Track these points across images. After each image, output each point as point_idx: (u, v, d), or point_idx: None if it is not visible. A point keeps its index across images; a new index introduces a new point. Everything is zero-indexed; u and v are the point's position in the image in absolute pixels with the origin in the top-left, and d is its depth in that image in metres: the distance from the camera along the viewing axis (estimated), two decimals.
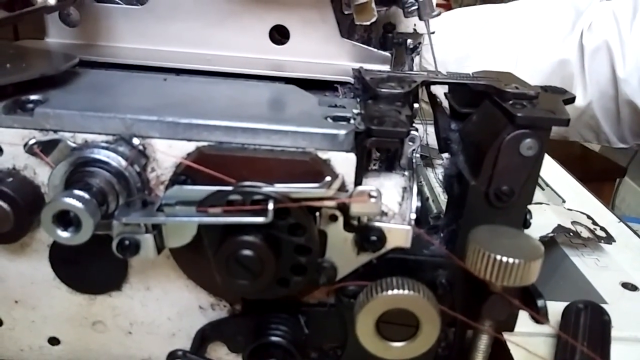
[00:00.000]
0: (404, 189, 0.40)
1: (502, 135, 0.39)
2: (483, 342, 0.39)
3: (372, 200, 0.33)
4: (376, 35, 0.57)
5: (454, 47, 1.00)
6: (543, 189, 0.77)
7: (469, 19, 1.11)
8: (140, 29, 0.52)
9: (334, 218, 0.37)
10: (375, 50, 0.52)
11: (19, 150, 0.37)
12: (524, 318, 0.54)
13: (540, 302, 0.39)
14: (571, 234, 0.64)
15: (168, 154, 0.36)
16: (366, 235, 0.37)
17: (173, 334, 0.44)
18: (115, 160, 0.36)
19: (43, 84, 0.40)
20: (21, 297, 0.43)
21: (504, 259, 0.34)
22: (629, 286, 0.60)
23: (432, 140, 0.78)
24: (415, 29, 0.60)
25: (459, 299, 0.39)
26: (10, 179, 0.37)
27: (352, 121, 0.38)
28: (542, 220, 0.66)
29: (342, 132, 0.36)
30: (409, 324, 0.37)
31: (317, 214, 0.36)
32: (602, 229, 0.67)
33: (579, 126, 1.05)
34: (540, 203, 0.71)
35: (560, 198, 0.74)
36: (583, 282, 0.60)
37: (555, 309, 0.53)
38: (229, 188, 0.34)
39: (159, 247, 0.35)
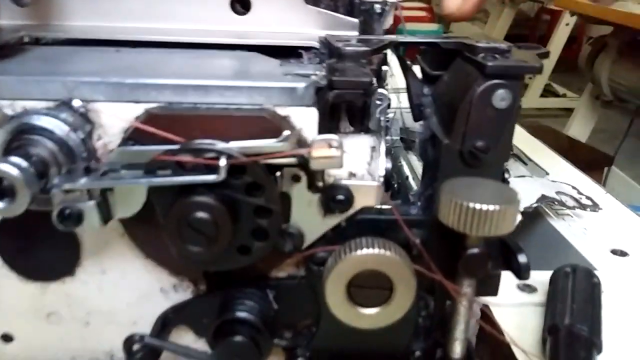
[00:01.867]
0: (373, 148, 0.38)
1: (474, 88, 0.37)
2: (464, 305, 0.36)
3: (334, 150, 0.31)
4: (343, 2, 0.54)
5: None
6: (526, 164, 0.75)
7: None
8: (93, 5, 0.49)
9: (296, 178, 0.34)
10: (342, 16, 0.50)
11: None
12: (511, 288, 0.52)
13: (521, 258, 0.36)
14: (556, 202, 0.62)
15: (114, 117, 0.34)
16: (332, 194, 0.35)
17: (134, 321, 0.40)
18: (57, 126, 0.33)
19: None
20: None
21: (478, 206, 0.31)
22: (618, 252, 0.58)
23: (412, 123, 0.77)
24: None
25: (436, 260, 0.37)
26: None
27: (313, 77, 0.36)
28: (526, 191, 0.64)
29: (301, 85, 0.34)
30: (382, 287, 0.34)
31: (279, 174, 0.34)
32: (588, 197, 0.65)
33: None
34: (523, 176, 0.69)
35: (544, 171, 0.72)
36: (571, 251, 0.58)
37: (544, 278, 0.51)
38: (178, 147, 0.31)
39: (105, 217, 0.32)
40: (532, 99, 3.80)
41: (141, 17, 0.50)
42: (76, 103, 0.33)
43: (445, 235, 0.36)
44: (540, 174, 0.71)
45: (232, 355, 0.35)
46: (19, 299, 0.40)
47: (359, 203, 0.35)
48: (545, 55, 0.46)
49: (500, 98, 0.37)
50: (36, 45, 0.44)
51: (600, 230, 0.62)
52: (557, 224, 0.63)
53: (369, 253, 0.33)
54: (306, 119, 0.34)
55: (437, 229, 0.36)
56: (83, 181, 0.31)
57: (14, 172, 0.29)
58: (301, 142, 0.33)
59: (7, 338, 0.41)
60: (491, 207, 0.31)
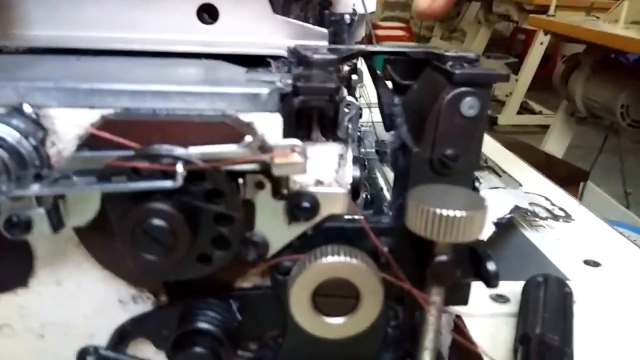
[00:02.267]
0: (340, 156, 0.37)
1: (442, 95, 0.37)
2: (432, 314, 0.35)
3: (296, 155, 0.30)
4: (313, 13, 0.54)
5: None
6: (500, 176, 0.75)
7: None
8: (56, 14, 0.48)
9: (260, 185, 0.33)
10: (312, 26, 0.49)
11: None
12: (483, 299, 0.51)
13: (490, 265, 0.36)
14: (529, 213, 0.61)
15: (69, 123, 0.32)
16: (297, 202, 0.34)
17: (91, 334, 0.39)
18: (7, 133, 0.31)
19: None
20: None
21: (445, 212, 0.31)
22: (591, 263, 0.58)
23: (387, 136, 0.76)
24: (354, 8, 0.58)
25: (405, 269, 0.36)
26: None
27: (278, 84, 0.35)
28: (500, 203, 0.64)
29: (265, 90, 0.33)
30: (348, 295, 0.33)
31: (241, 181, 0.33)
32: (561, 209, 0.65)
33: None
34: (497, 187, 0.69)
35: (517, 182, 0.72)
36: (544, 261, 0.57)
37: (516, 289, 0.51)
38: (132, 153, 0.30)
39: (56, 225, 0.31)
40: (508, 116, 3.86)
41: (106, 26, 0.49)
42: (27, 109, 0.31)
43: (414, 244, 0.35)
44: (514, 186, 0.71)
45: None
46: None
47: (325, 210, 0.34)
48: (514, 64, 0.46)
49: (469, 106, 0.37)
50: None
51: (573, 241, 0.62)
52: (531, 234, 0.62)
53: (335, 261, 0.32)
54: (270, 125, 0.33)
55: (406, 237, 0.35)
56: (32, 188, 0.30)
57: None
58: (264, 149, 0.32)
59: None
60: (458, 214, 0.31)
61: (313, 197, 0.34)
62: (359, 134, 0.62)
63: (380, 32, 4.06)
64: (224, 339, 0.34)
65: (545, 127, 3.31)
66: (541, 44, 3.62)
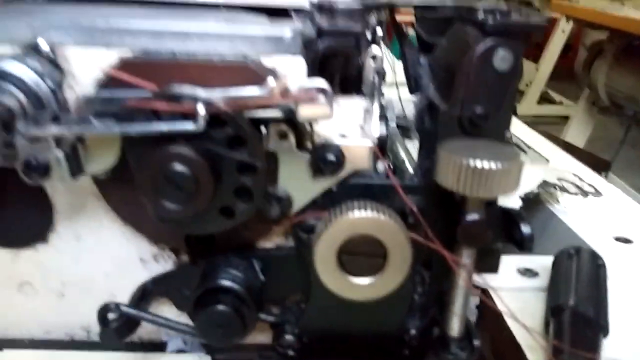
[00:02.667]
0: (366, 110, 0.35)
1: (473, 48, 0.35)
2: (463, 277, 0.33)
3: (321, 97, 0.28)
4: None
5: None
6: (525, 152, 0.73)
7: None
8: None
9: (284, 136, 0.32)
10: None
11: None
12: (511, 273, 0.49)
13: (525, 228, 0.34)
14: (557, 188, 0.59)
15: (86, 64, 0.31)
16: (322, 154, 0.32)
17: (112, 293, 0.38)
18: (24, 73, 0.30)
19: None
20: None
21: (479, 164, 0.29)
22: (622, 239, 0.56)
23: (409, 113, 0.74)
24: None
25: (433, 230, 0.34)
26: None
27: (300, 26, 0.34)
28: (526, 177, 0.61)
29: (288, 33, 0.32)
30: (375, 254, 0.31)
31: (264, 130, 0.31)
32: (590, 185, 0.63)
33: None
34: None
35: (544, 158, 0.70)
36: (574, 238, 0.55)
37: (545, 263, 0.49)
38: (152, 93, 0.28)
39: (75, 170, 0.29)
40: (528, 106, 3.79)
41: None
42: (42, 44, 0.30)
43: (443, 203, 0.33)
44: (541, 162, 0.69)
45: (214, 325, 0.32)
46: None
47: (351, 165, 0.33)
48: (549, 19, 0.44)
49: (502, 58, 0.34)
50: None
51: (603, 217, 0.59)
52: (559, 210, 0.60)
53: (362, 216, 0.30)
54: (293, 70, 0.31)
55: (434, 196, 0.34)
56: (50, 128, 0.28)
57: None
58: (287, 95, 0.30)
59: None
60: (493, 165, 0.29)
61: (338, 150, 0.32)
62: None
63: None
64: (247, 298, 0.33)
65: (566, 118, 3.25)
66: (563, 31, 3.55)
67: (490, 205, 0.33)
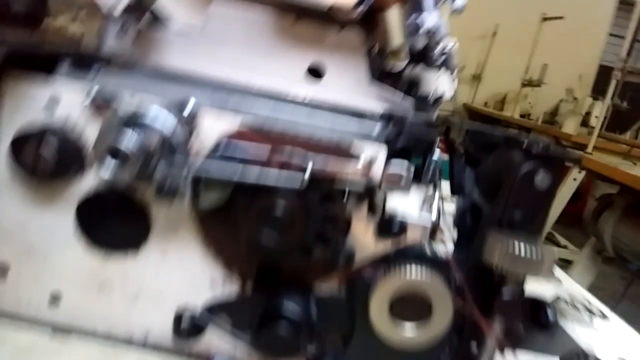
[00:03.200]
0: (425, 197, 0.43)
1: (519, 167, 0.43)
2: (491, 344, 0.39)
3: (403, 176, 0.36)
4: (401, 89, 0.62)
5: None
6: None
7: None
8: (190, 50, 0.57)
9: (360, 202, 0.39)
10: (400, 97, 0.57)
11: (75, 103, 0.40)
12: None
13: (550, 313, 0.40)
14: (568, 304, 0.65)
15: (216, 122, 0.39)
16: (388, 223, 0.39)
17: (178, 306, 0.43)
18: (168, 119, 0.38)
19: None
20: (36, 246, 0.43)
21: (523, 249, 0.35)
22: None
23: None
24: (436, 88, 0.66)
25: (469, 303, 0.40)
26: (62, 125, 0.40)
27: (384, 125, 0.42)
28: (542, 291, 0.67)
29: (376, 128, 0.40)
30: (422, 309, 0.37)
31: (346, 195, 0.39)
32: (598, 309, 0.68)
33: None
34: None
35: (557, 279, 0.76)
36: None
37: None
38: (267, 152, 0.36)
39: (194, 201, 0.36)
40: None
41: (228, 65, 0.57)
42: (191, 102, 0.39)
43: (481, 279, 0.40)
44: (554, 281, 0.75)
45: (274, 341, 0.37)
46: (79, 266, 0.43)
47: (409, 237, 0.40)
48: (580, 157, 0.52)
49: (542, 179, 0.42)
50: None
51: (609, 338, 0.64)
52: (569, 326, 0.65)
53: (419, 274, 0.37)
54: (377, 154, 0.39)
55: (474, 272, 0.40)
56: (188, 162, 0.36)
57: (132, 143, 0.35)
58: (372, 174, 0.38)
59: (56, 298, 0.44)
60: (534, 251, 0.36)
61: (402, 223, 0.39)
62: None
63: None
64: (303, 327, 0.38)
65: (569, 262, 3.30)
66: (574, 179, 3.70)
67: (520, 287, 0.39)
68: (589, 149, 3.01)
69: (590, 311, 0.66)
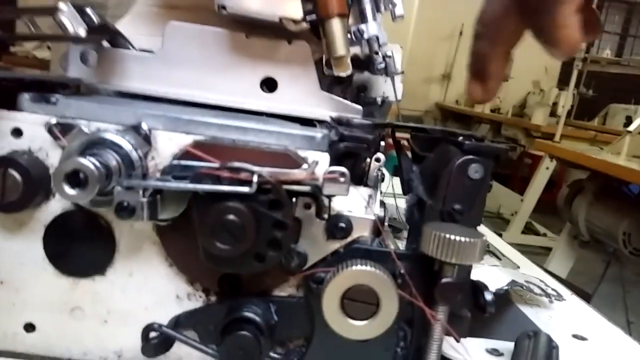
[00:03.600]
0: (370, 196, 0.47)
1: (454, 160, 0.47)
2: (437, 331, 0.42)
3: (342, 179, 0.39)
4: (351, 95, 0.66)
5: None
6: (500, 259, 0.83)
7: None
8: (149, 72, 0.60)
9: (308, 206, 0.43)
10: (350, 103, 0.61)
11: (36, 134, 0.43)
12: (480, 352, 0.57)
13: (488, 295, 0.43)
14: (524, 288, 0.69)
15: (169, 142, 0.42)
16: (336, 222, 0.42)
17: (147, 324, 0.46)
18: (123, 143, 0.41)
19: (64, 92, 0.47)
20: (7, 277, 0.45)
21: (452, 237, 0.39)
22: (578, 337, 0.64)
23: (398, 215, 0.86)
24: (384, 93, 0.70)
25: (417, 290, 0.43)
26: (25, 156, 0.42)
27: (327, 132, 0.46)
28: (498, 277, 0.71)
29: (319, 134, 0.44)
30: (370, 302, 0.41)
31: (294, 200, 0.42)
32: (553, 289, 0.72)
33: None
34: (496, 265, 0.76)
35: (515, 264, 0.80)
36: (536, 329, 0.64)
37: (509, 347, 0.57)
38: (219, 165, 0.39)
39: (152, 214, 0.39)
40: (513, 235, 3.95)
41: (187, 86, 0.61)
42: (144, 127, 0.42)
43: (424, 269, 0.43)
44: (512, 267, 0.79)
45: (236, 348, 0.40)
46: (50, 292, 0.45)
47: (356, 232, 0.43)
48: (513, 149, 0.57)
49: (475, 170, 0.46)
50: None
51: (563, 318, 0.68)
52: (526, 309, 0.69)
53: (363, 269, 0.40)
54: (320, 161, 0.43)
55: (418, 263, 0.43)
56: (145, 181, 0.39)
57: (91, 167, 0.38)
58: (316, 176, 0.41)
59: (30, 328, 0.46)
60: (463, 239, 0.39)
61: (348, 220, 0.43)
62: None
63: None
64: (265, 330, 0.41)
65: (549, 250, 3.38)
66: (547, 168, 3.80)
67: (461, 273, 0.42)
68: (557, 138, 3.10)
69: (546, 293, 0.70)
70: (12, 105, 0.43)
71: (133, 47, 0.61)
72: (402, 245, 0.83)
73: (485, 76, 0.49)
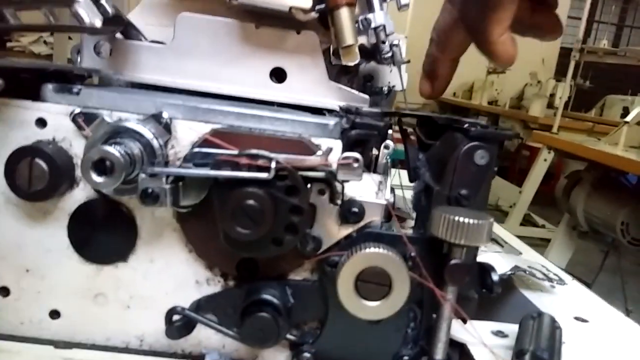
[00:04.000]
0: (380, 182, 0.48)
1: (460, 147, 0.48)
2: (447, 312, 0.44)
3: (356, 165, 0.41)
4: (357, 84, 0.68)
5: None
6: (502, 246, 0.85)
7: None
8: (162, 63, 0.61)
9: (322, 192, 0.44)
10: (357, 92, 0.63)
11: (60, 124, 0.44)
12: (486, 333, 0.59)
13: (494, 276, 0.45)
14: (527, 273, 0.70)
15: (189, 130, 0.44)
16: (349, 207, 0.44)
17: (168, 309, 0.47)
18: (145, 132, 0.43)
19: (85, 83, 0.49)
20: (33, 265, 0.47)
21: (461, 219, 0.41)
22: (580, 319, 0.66)
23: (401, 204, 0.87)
24: (389, 82, 0.72)
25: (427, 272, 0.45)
26: (50, 146, 0.44)
27: (340, 120, 0.47)
28: (501, 263, 0.73)
29: (332, 122, 0.45)
30: (383, 283, 0.42)
31: (309, 186, 0.44)
32: (555, 274, 0.74)
33: None
34: (499, 252, 0.78)
35: (517, 251, 0.82)
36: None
37: (514, 329, 0.59)
38: (238, 152, 0.41)
39: (174, 201, 0.41)
40: (512, 227, 3.98)
41: (199, 77, 0.62)
42: (165, 115, 0.43)
43: (434, 253, 0.45)
44: (514, 253, 0.81)
45: (256, 329, 0.42)
46: (75, 278, 0.47)
47: (369, 217, 0.45)
48: (517, 135, 0.58)
49: (480, 156, 0.48)
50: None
51: (565, 301, 0.70)
52: (528, 293, 0.71)
53: (375, 252, 0.42)
54: (334, 148, 0.45)
55: (427, 246, 0.45)
56: (168, 168, 0.41)
57: (117, 155, 0.39)
58: (330, 162, 0.43)
59: (55, 314, 0.48)
60: (472, 221, 0.41)
61: (361, 205, 0.44)
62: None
63: None
64: (283, 311, 0.43)
65: (548, 241, 3.40)
66: (545, 160, 3.82)
67: (469, 255, 0.44)
68: (554, 129, 3.12)
69: (548, 277, 0.72)
70: (34, 95, 0.45)
71: (145, 38, 0.62)
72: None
73: (434, 76, 0.58)
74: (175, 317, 0.45)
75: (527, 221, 4.19)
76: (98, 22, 0.51)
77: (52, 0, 0.50)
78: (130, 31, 0.60)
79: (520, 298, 0.70)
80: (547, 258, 2.58)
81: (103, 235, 0.46)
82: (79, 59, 0.61)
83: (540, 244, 3.78)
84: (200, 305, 0.47)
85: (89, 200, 0.46)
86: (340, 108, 0.58)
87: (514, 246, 0.85)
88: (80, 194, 0.45)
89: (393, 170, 1.00)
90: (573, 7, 5.78)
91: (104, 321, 0.48)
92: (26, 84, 0.44)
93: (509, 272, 0.70)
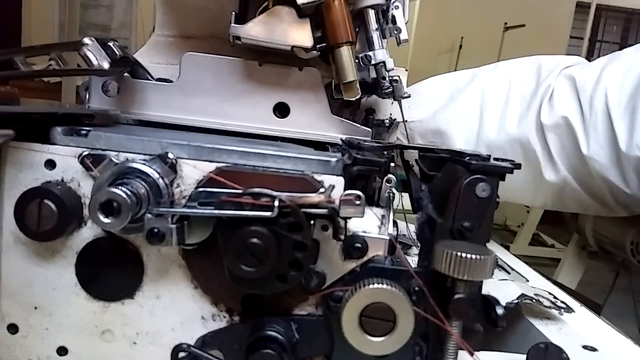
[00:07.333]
0: (383, 216, 0.49)
1: (462, 180, 0.49)
2: (452, 346, 0.44)
3: (358, 202, 0.41)
4: (360, 117, 0.69)
5: (423, 125, 0.93)
6: (509, 272, 0.85)
7: (438, 94, 0.99)
8: (168, 101, 0.63)
9: (325, 228, 0.45)
10: (359, 125, 0.64)
11: (69, 165, 0.45)
12: None
13: (499, 310, 0.45)
14: (534, 301, 0.70)
15: (194, 169, 0.45)
16: (352, 242, 0.45)
17: (174, 345, 0.48)
18: (151, 172, 0.44)
19: (92, 124, 0.50)
20: (42, 303, 0.48)
21: (463, 254, 0.41)
22: (589, 348, 0.66)
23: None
24: (391, 115, 0.73)
25: (430, 307, 0.45)
26: (59, 187, 0.45)
27: (342, 157, 0.48)
28: (507, 291, 0.73)
29: (334, 159, 0.46)
30: (387, 319, 0.43)
31: (312, 223, 0.44)
32: (562, 302, 0.74)
33: (565, 199, 0.93)
34: (505, 279, 0.78)
35: (524, 278, 0.81)
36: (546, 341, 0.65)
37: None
38: (241, 191, 0.42)
39: (180, 239, 0.42)
40: (520, 246, 3.94)
41: (204, 114, 0.64)
42: (171, 156, 0.44)
43: (438, 285, 0.45)
44: (521, 281, 0.80)
45: None
46: (82, 316, 0.48)
47: (372, 252, 0.45)
48: (517, 166, 0.59)
49: (482, 189, 0.48)
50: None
51: (573, 330, 0.70)
52: (535, 322, 0.71)
53: (379, 287, 0.42)
54: (335, 185, 0.45)
55: (432, 279, 0.45)
56: (173, 209, 0.41)
57: (124, 196, 0.40)
58: (332, 199, 0.44)
59: (63, 351, 0.48)
60: (474, 256, 0.41)
61: (364, 240, 0.45)
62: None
63: None
64: (288, 348, 0.43)
65: (557, 260, 3.37)
66: None
67: (472, 288, 0.44)
68: None
69: (555, 305, 0.72)
70: (43, 138, 0.46)
71: (152, 77, 0.64)
72: (411, 260, 0.85)
73: None
74: (182, 354, 0.45)
75: (535, 240, 4.16)
76: (106, 64, 0.53)
77: (61, 46, 0.52)
78: (137, 70, 0.62)
79: (527, 327, 0.70)
80: (557, 278, 2.54)
81: (110, 272, 0.47)
82: (87, 96, 0.63)
83: (550, 264, 3.74)
84: (206, 341, 0.47)
85: (96, 238, 0.46)
86: (343, 141, 0.59)
87: (520, 273, 0.85)
88: (88, 233, 0.46)
89: (397, 196, 1.00)
90: (575, 27, 5.83)
91: (111, 357, 0.48)
92: (36, 127, 0.46)
93: (516, 301, 0.69)
